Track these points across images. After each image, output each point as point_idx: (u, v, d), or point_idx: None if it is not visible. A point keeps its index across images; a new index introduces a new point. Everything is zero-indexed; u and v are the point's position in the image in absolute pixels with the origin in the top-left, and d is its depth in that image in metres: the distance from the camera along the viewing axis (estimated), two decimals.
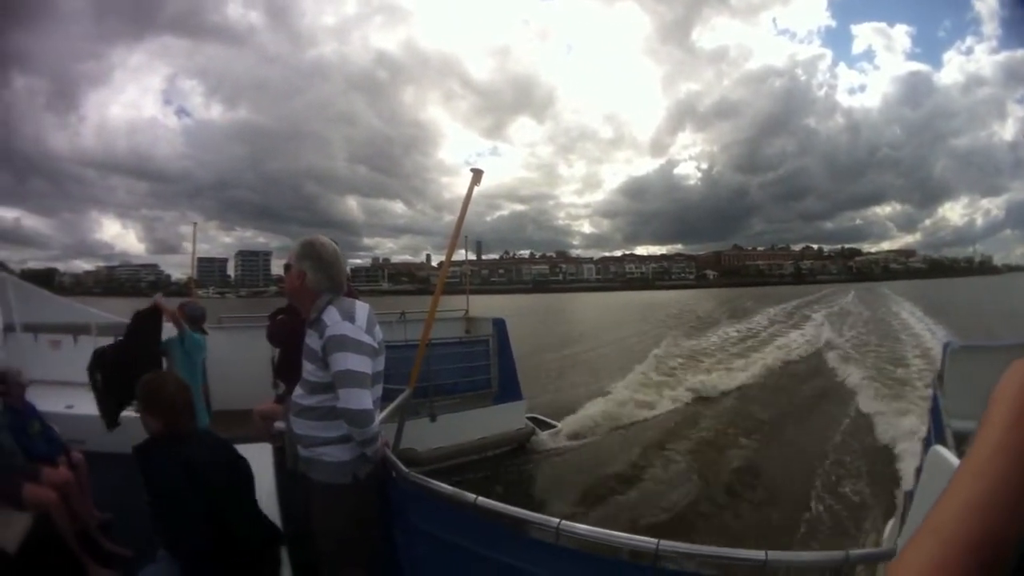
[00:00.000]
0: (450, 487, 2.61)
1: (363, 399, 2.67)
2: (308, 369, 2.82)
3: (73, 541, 3.96)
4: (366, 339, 2.74)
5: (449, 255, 5.35)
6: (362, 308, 2.85)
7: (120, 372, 5.12)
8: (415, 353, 5.21)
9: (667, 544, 1.94)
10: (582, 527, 2.19)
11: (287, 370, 4.75)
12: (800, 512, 7.38)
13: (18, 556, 3.51)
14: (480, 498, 2.43)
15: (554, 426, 10.36)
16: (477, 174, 4.92)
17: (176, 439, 2.80)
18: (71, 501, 4.16)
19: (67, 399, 6.74)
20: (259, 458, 4.41)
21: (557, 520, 2.17)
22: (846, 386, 14.19)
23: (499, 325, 8.88)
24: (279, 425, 5.14)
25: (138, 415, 6.64)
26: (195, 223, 13.96)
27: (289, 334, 4.50)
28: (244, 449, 3.81)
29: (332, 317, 2.72)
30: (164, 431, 2.78)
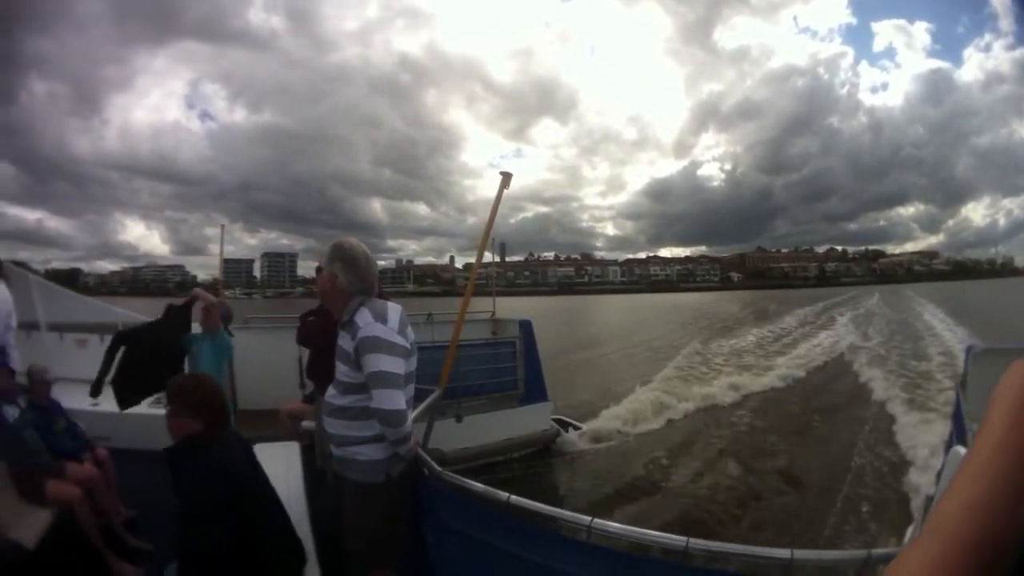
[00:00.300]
0: (482, 485, 2.65)
1: (396, 399, 2.69)
2: (341, 370, 2.85)
3: (96, 536, 4.02)
4: (399, 340, 2.77)
5: (479, 258, 5.38)
6: (394, 309, 2.88)
7: (141, 355, 5.28)
8: (442, 354, 5.26)
9: (696, 542, 1.97)
10: (614, 525, 2.21)
11: (317, 371, 4.80)
12: (823, 513, 7.35)
13: (37, 552, 3.54)
14: (513, 496, 2.46)
15: (579, 428, 10.35)
16: (506, 177, 4.93)
17: (214, 442, 2.80)
18: (96, 497, 4.26)
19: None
20: (287, 457, 4.54)
21: (589, 518, 2.19)
22: (870, 389, 14.04)
23: (526, 327, 8.87)
24: (306, 424, 5.26)
25: (152, 411, 6.79)
26: (223, 225, 14.16)
27: (319, 336, 4.52)
28: (272, 448, 3.87)
29: (364, 319, 2.75)
30: (203, 433, 2.76)
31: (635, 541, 2.17)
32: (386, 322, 2.76)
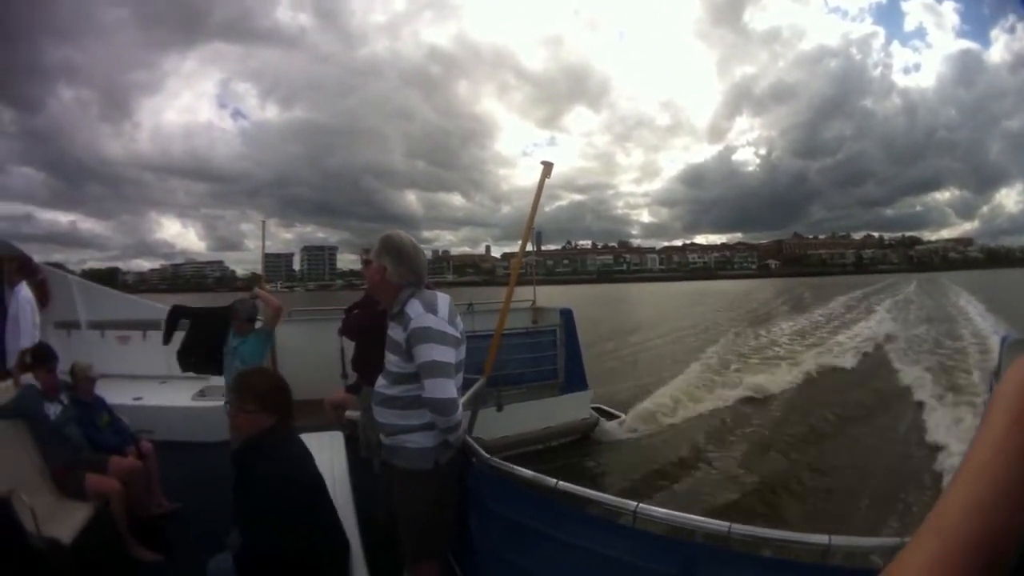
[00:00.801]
0: (530, 472, 2.69)
1: (448, 388, 2.74)
2: (391, 360, 2.88)
3: (123, 523, 4.10)
4: (449, 330, 2.80)
5: (523, 246, 5.38)
6: (443, 300, 2.91)
7: (204, 334, 5.63)
8: (484, 343, 5.28)
9: (738, 527, 2.00)
10: (659, 510, 2.24)
11: (362, 363, 4.88)
12: (855, 504, 7.37)
13: (75, 546, 3.60)
14: (561, 482, 2.49)
15: (618, 416, 10.31)
16: (547, 167, 4.94)
17: (283, 438, 2.82)
18: (138, 489, 4.37)
19: (136, 391, 7.09)
20: (332, 446, 4.58)
21: (635, 503, 2.23)
22: (905, 383, 13.81)
23: (566, 315, 8.86)
24: (350, 414, 5.32)
25: (194, 403, 6.89)
26: (263, 220, 14.31)
27: (364, 328, 4.62)
28: (317, 437, 3.92)
29: (415, 310, 2.78)
30: (273, 428, 2.77)
31: (679, 526, 2.19)
32: (436, 312, 2.80)
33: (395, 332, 2.86)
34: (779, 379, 14.33)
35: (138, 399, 6.82)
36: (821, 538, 1.91)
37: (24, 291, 6.02)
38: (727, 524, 2.00)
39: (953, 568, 0.50)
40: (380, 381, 2.97)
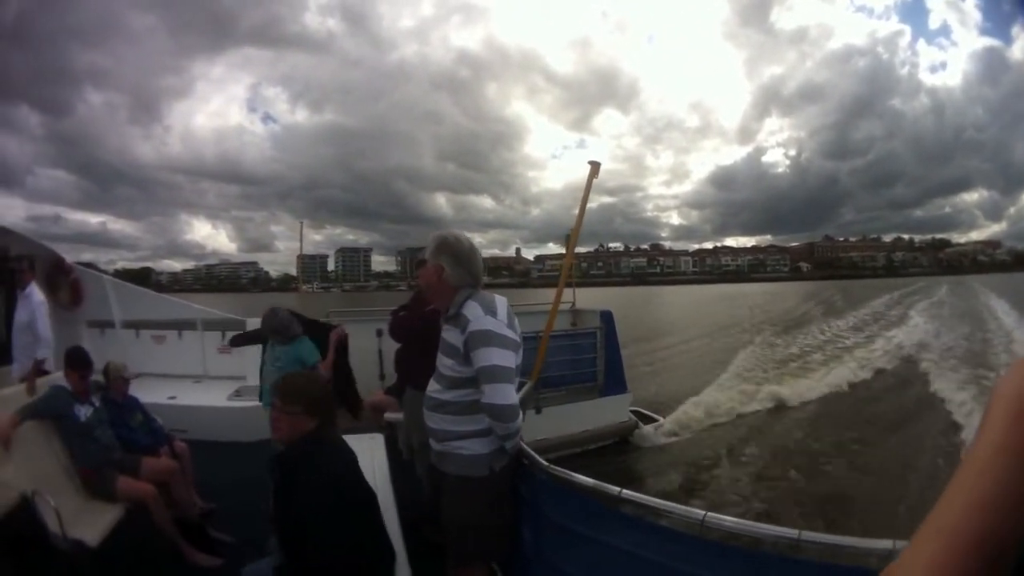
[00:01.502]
0: (591, 479, 2.55)
1: (509, 394, 2.63)
2: (447, 364, 2.78)
3: (171, 529, 4.04)
4: (509, 334, 2.69)
5: (571, 248, 5.28)
6: (501, 302, 2.81)
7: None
8: (526, 346, 5.14)
9: (809, 535, 1.90)
10: (728, 519, 2.13)
11: (405, 365, 4.77)
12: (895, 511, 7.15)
13: (101, 548, 3.57)
14: (625, 490, 2.39)
15: (656, 420, 10.14)
16: (595, 166, 4.85)
17: (326, 441, 2.76)
18: (173, 489, 4.29)
19: (171, 391, 7.09)
20: (372, 448, 4.46)
21: (703, 512, 2.12)
22: (940, 394, 13.24)
23: (606, 317, 8.72)
24: (389, 416, 5.20)
25: (229, 403, 6.82)
26: (301, 222, 14.40)
27: (414, 329, 4.50)
28: (357, 439, 3.83)
29: (474, 312, 2.68)
30: (316, 431, 2.71)
31: (747, 534, 2.08)
32: (496, 315, 2.70)
33: (451, 335, 2.76)
34: (816, 385, 14.06)
35: (173, 398, 6.80)
36: (886, 543, 1.79)
37: (37, 294, 5.86)
38: (796, 531, 1.91)
39: (954, 568, 0.50)
40: (433, 385, 2.88)
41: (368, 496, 2.79)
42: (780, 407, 12.38)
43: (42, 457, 3.99)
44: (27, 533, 3.04)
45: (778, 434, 10.82)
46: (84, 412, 4.25)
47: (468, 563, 2.88)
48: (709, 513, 2.11)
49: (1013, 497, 0.51)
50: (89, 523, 3.72)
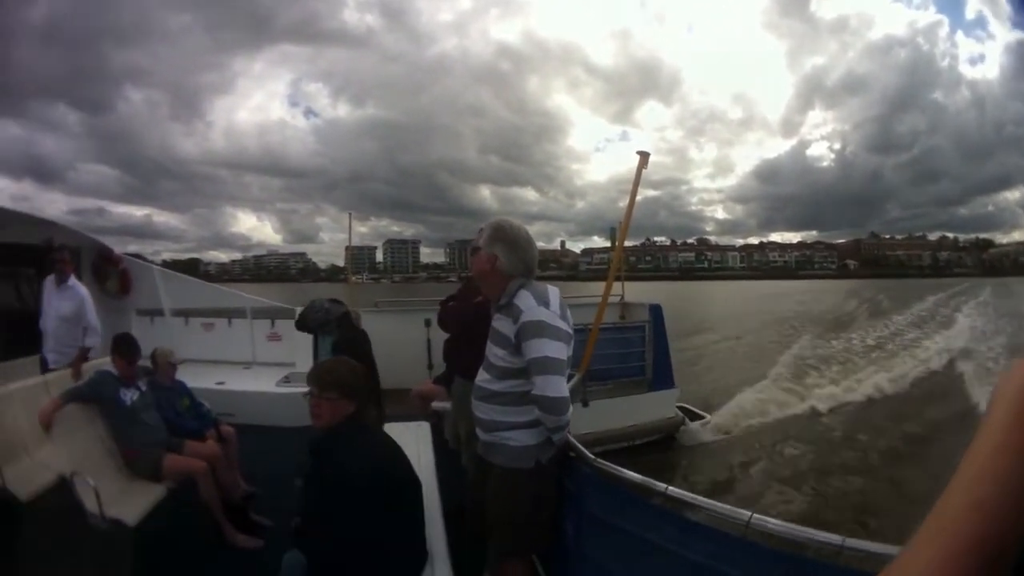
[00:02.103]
0: (638, 475, 2.48)
1: (560, 386, 2.55)
2: (498, 354, 2.71)
3: (216, 506, 4.08)
4: (562, 325, 2.61)
5: (621, 240, 5.19)
6: (554, 293, 2.72)
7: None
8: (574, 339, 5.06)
9: (852, 542, 1.81)
10: (773, 521, 2.04)
11: (455, 355, 4.68)
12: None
13: (140, 527, 3.59)
14: (671, 488, 2.33)
15: (703, 417, 9.90)
16: (644, 156, 4.73)
17: (364, 425, 2.75)
18: (218, 472, 4.30)
19: (219, 376, 7.14)
20: (418, 436, 4.48)
21: (749, 513, 2.04)
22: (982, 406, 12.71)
23: (655, 311, 8.56)
24: (437, 405, 5.15)
25: (276, 389, 6.86)
26: (350, 214, 14.56)
27: (465, 319, 4.42)
28: (404, 427, 3.81)
29: (527, 302, 2.60)
30: (354, 415, 2.70)
31: (791, 538, 1.99)
32: (549, 306, 2.62)
33: (502, 325, 2.70)
34: (861, 388, 13.66)
35: (221, 384, 6.84)
36: None
37: (80, 285, 5.88)
38: (840, 538, 1.83)
39: (954, 568, 0.50)
40: (482, 375, 2.81)
41: (406, 484, 2.77)
42: (827, 409, 12.07)
43: (84, 439, 4.05)
44: (62, 512, 3.12)
45: (823, 436, 10.57)
46: (130, 396, 4.29)
47: (510, 555, 2.85)
48: (755, 515, 2.04)
49: (1013, 498, 0.51)
50: (129, 503, 3.76)
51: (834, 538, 1.86)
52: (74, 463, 3.49)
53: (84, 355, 5.39)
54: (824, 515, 7.31)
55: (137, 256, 9.82)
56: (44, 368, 5.48)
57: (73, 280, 5.80)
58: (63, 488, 3.19)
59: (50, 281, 5.76)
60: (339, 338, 5.52)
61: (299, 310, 6.18)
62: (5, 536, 2.90)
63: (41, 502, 3.16)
